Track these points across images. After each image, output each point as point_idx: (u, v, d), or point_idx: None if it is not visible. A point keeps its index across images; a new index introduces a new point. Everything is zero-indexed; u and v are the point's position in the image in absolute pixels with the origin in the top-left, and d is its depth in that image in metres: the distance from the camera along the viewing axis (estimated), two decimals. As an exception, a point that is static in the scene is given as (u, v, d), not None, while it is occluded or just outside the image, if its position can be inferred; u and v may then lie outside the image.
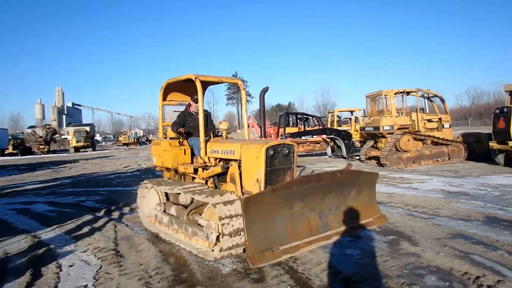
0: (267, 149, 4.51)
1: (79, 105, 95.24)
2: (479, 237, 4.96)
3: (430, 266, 4.08)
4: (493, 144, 12.17)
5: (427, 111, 15.66)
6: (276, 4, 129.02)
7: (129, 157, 25.79)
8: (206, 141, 5.48)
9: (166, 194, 5.92)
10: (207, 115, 6.00)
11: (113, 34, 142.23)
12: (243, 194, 4.67)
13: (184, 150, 5.88)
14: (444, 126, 14.89)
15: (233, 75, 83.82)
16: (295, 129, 21.38)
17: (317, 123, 24.10)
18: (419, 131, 14.28)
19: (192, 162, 5.88)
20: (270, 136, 22.46)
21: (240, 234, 4.28)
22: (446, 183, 9.31)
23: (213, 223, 4.41)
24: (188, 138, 5.98)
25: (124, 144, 49.48)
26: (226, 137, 5.99)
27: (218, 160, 5.31)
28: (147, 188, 6.27)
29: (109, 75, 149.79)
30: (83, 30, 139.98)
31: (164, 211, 5.72)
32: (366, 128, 15.19)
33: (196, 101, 5.88)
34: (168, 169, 6.04)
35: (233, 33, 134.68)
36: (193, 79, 5.34)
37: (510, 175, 10.20)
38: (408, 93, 14.84)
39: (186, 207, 5.27)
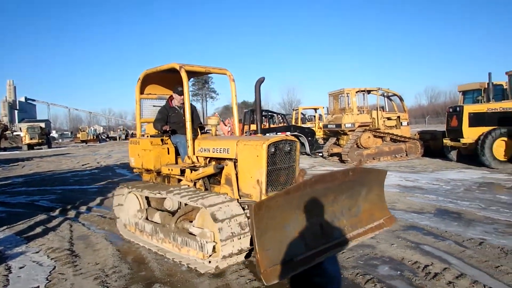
0: (268, 146, 4.07)
1: (33, 100, 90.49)
2: (430, 228, 5.19)
3: (383, 256, 4.24)
4: (446, 141, 12.73)
5: (387, 110, 16.20)
6: (246, 2, 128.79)
7: (88, 155, 24.95)
8: (193, 139, 4.97)
9: (148, 199, 5.34)
10: (192, 109, 5.39)
11: (70, 25, 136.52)
12: (240, 197, 4.26)
13: (168, 149, 5.28)
14: (403, 124, 15.45)
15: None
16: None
17: (281, 120, 24.29)
18: (379, 129, 14.73)
19: (176, 162, 5.35)
20: (234, 133, 22.38)
21: (241, 242, 3.85)
22: (403, 178, 9.66)
23: (208, 231, 3.93)
24: (171, 135, 5.39)
25: (83, 141, 47.82)
26: (215, 134, 5.49)
27: (208, 159, 4.83)
28: (124, 193, 5.63)
29: (66, 69, 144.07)
30: (37, 20, 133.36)
31: (146, 219, 5.12)
32: (329, 126, 15.53)
33: (180, 94, 5.32)
34: (148, 170, 5.45)
35: (198, 28, 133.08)
36: (178, 68, 4.79)
37: (462, 171, 10.73)
38: (369, 91, 15.28)
39: (172, 213, 4.70)
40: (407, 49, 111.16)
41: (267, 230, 3.12)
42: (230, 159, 4.44)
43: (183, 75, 4.76)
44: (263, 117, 23.59)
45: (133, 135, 52.10)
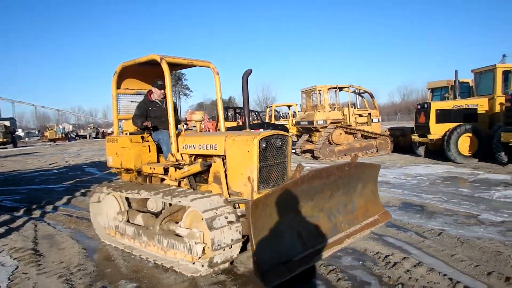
0: (260, 141, 3.90)
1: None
2: (393, 220, 5.32)
3: (347, 248, 4.33)
4: (414, 137, 13.10)
5: (358, 106, 16.48)
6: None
7: (56, 154, 24.23)
8: (177, 135, 4.75)
9: (128, 200, 4.99)
10: (174, 104, 5.13)
11: (35, 19, 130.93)
12: (230, 196, 4.12)
13: (149, 146, 4.95)
14: (373, 121, 15.75)
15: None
16: (233, 124, 21.45)
17: (255, 117, 24.39)
18: (351, 125, 14.97)
19: (158, 161, 5.04)
20: (209, 131, 22.39)
21: (232, 242, 3.62)
22: (372, 174, 9.85)
23: (197, 231, 3.71)
24: (153, 132, 5.09)
25: (51, 140, 46.33)
26: (200, 130, 5.26)
27: (193, 156, 4.62)
28: (102, 194, 5.20)
29: (33, 65, 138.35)
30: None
31: (127, 221, 4.78)
32: (302, 122, 15.68)
33: (160, 88, 5.10)
34: (128, 170, 5.09)
35: (169, 22, 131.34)
36: (158, 60, 4.53)
37: (428, 165, 11.07)
38: (340, 88, 15.52)
39: (156, 215, 4.42)
40: (382, 48, 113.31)
41: (264, 229, 3.03)
42: (218, 156, 4.25)
43: (164, 67, 4.53)
44: (237, 114, 23.66)
45: (104, 134, 50.92)
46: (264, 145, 3.98)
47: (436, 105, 12.47)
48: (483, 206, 6.02)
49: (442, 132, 11.74)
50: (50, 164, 17.01)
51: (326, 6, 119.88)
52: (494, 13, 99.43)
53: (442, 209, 5.92)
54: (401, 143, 15.13)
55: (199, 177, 4.57)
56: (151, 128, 5.08)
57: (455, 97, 13.06)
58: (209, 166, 4.30)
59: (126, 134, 5.24)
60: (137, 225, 4.62)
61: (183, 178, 4.50)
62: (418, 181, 8.48)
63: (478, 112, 12.11)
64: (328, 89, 15.13)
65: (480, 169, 9.87)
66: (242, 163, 3.99)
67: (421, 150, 13.32)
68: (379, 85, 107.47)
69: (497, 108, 11.71)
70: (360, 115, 15.57)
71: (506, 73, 11.91)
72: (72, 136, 54.29)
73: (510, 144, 9.54)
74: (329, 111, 14.78)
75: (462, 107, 12.19)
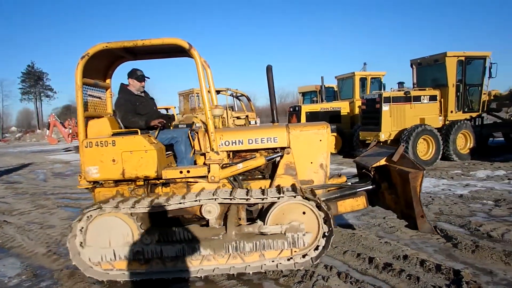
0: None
1: None
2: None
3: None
4: (288, 137, 13.96)
5: (236, 109, 16.92)
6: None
7: None
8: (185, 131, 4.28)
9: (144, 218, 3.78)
10: (152, 100, 4.79)
11: None
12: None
13: (162, 149, 4.04)
14: (251, 123, 16.31)
15: (29, 66, 70.91)
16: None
17: (132, 121, 23.28)
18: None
19: (168, 164, 4.21)
20: (75, 137, 20.68)
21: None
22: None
23: (297, 223, 3.57)
24: (160, 131, 4.27)
25: None
26: (220, 126, 4.56)
27: (231, 153, 4.23)
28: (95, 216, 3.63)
29: None
30: None
31: (158, 242, 3.66)
32: (180, 126, 15.44)
33: (140, 80, 4.45)
34: (123, 181, 3.93)
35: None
36: (187, 47, 3.78)
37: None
38: (218, 92, 15.72)
39: (201, 224, 3.80)
40: (258, 52, 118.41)
41: None
42: (280, 149, 4.11)
43: (196, 56, 3.80)
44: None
45: None
46: None
47: (306, 108, 13.54)
48: (346, 196, 6.67)
49: (312, 133, 12.75)
50: None
51: (205, 8, 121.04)
52: (358, 25, 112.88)
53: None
54: (278, 144, 15.97)
55: (243, 175, 4.23)
56: (162, 127, 4.27)
57: (322, 101, 14.34)
58: (271, 159, 4.15)
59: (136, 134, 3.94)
60: (183, 240, 3.69)
61: (233, 176, 4.07)
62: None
63: (342, 114, 13.53)
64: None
65: (344, 164, 10.97)
66: (314, 152, 4.14)
67: (295, 149, 14.23)
68: (257, 88, 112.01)
69: (356, 110, 13.25)
70: (238, 118, 15.96)
71: (362, 80, 13.58)
72: None
73: (366, 142, 10.81)
74: (208, 113, 14.87)
75: (328, 110, 13.45)
